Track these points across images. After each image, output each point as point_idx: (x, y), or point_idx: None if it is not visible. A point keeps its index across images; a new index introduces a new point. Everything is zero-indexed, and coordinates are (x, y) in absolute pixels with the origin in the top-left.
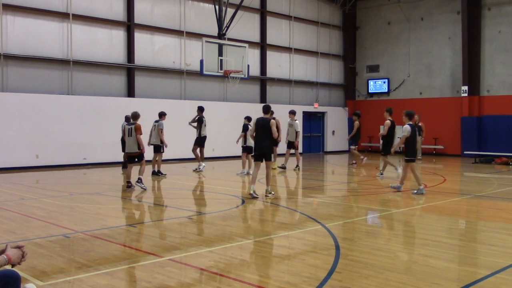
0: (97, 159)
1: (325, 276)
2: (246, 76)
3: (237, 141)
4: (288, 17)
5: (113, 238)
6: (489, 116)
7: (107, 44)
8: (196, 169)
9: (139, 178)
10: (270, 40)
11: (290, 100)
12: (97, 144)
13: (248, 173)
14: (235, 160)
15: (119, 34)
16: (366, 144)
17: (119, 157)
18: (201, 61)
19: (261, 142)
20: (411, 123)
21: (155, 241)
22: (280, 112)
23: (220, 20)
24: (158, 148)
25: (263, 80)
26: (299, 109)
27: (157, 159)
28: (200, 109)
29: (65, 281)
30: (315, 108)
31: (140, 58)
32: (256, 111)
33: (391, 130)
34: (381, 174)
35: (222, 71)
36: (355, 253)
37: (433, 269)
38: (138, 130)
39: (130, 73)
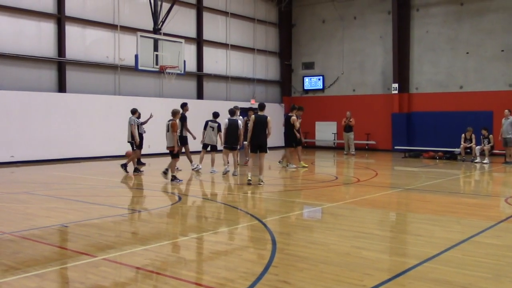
0: (25, 157)
1: (262, 270)
2: (182, 72)
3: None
4: (224, 13)
5: (43, 239)
6: (417, 112)
7: (36, 37)
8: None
9: (172, 176)
10: (206, 36)
11: (227, 96)
12: (25, 141)
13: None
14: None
15: (49, 27)
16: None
17: (49, 154)
18: (136, 56)
19: (258, 136)
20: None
21: (88, 240)
22: (219, 108)
23: (155, 14)
24: (132, 145)
25: (199, 76)
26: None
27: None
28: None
29: None
30: (252, 104)
31: (72, 52)
32: (192, 107)
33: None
34: (287, 165)
35: (157, 67)
36: (291, 247)
37: (365, 260)
38: (173, 127)
39: (61, 67)
